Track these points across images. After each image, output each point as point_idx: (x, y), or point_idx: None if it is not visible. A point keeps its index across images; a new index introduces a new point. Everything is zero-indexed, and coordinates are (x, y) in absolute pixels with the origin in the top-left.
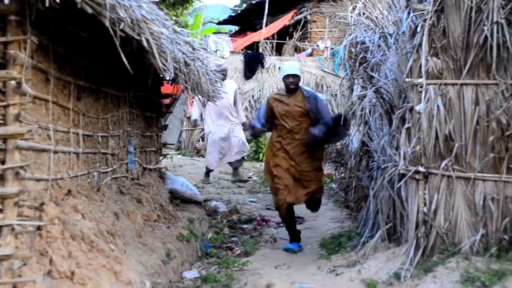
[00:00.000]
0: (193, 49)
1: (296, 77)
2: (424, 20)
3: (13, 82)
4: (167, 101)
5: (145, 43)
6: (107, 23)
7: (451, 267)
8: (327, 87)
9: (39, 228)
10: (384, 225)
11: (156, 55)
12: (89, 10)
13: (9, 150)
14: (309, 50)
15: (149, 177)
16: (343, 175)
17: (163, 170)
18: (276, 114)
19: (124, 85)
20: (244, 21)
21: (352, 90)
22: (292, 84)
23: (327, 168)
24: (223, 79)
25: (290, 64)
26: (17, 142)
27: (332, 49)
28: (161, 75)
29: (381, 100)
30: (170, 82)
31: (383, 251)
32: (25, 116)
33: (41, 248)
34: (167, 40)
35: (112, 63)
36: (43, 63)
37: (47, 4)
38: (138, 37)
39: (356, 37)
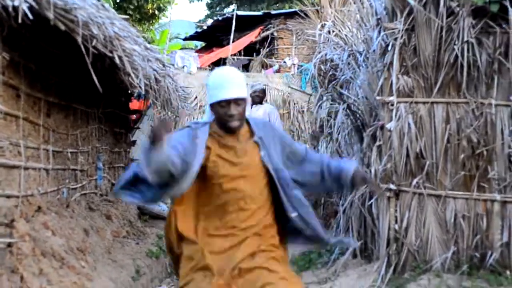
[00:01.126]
0: (163, 65)
1: (241, 102)
2: (395, 39)
3: None
4: (134, 116)
5: (117, 60)
6: (80, 40)
7: (423, 284)
8: (294, 104)
9: (9, 245)
10: (356, 241)
11: (130, 72)
12: (62, 27)
13: None
14: (276, 67)
15: None
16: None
17: None
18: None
19: (94, 101)
20: (211, 37)
21: (320, 107)
22: (234, 118)
23: None
24: (259, 102)
25: (224, 78)
26: None
27: (300, 66)
28: (130, 91)
29: (352, 118)
30: (138, 98)
31: (354, 268)
32: None
33: (12, 265)
34: (139, 57)
35: (82, 79)
36: (14, 79)
37: (20, 21)
38: (110, 54)
39: (326, 55)
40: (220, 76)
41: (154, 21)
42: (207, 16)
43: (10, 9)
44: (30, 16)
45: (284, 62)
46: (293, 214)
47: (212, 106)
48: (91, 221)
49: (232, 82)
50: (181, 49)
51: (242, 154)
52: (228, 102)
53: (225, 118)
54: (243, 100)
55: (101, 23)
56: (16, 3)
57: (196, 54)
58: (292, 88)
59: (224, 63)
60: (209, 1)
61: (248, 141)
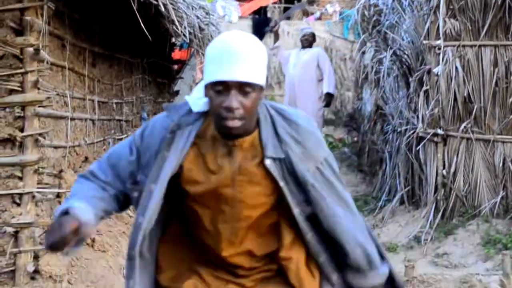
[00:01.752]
0: (207, 13)
1: (248, 89)
2: None
3: (30, 49)
4: (176, 66)
5: (162, 8)
6: None
7: (471, 229)
8: (336, 51)
9: (58, 195)
10: (403, 188)
11: (175, 20)
12: None
13: (28, 118)
14: (317, 14)
15: None
16: (355, 139)
17: None
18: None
19: (137, 51)
20: None
21: (363, 53)
22: (233, 114)
23: (339, 132)
24: (308, 46)
25: (228, 48)
26: (36, 109)
27: (342, 12)
28: (174, 41)
29: (398, 63)
30: (180, 48)
31: (401, 214)
32: (43, 83)
33: None
34: (183, 4)
35: (125, 29)
36: (59, 29)
37: None
38: (155, 2)
39: (369, 0)
40: (223, 45)
41: None
42: None
43: None
44: None
45: (326, 9)
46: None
47: (206, 89)
48: None
49: (239, 56)
50: None
51: (228, 185)
52: (227, 87)
53: (219, 112)
54: (254, 88)
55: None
56: None
57: (237, 2)
58: (334, 35)
59: (265, 12)
60: None
61: (250, 163)
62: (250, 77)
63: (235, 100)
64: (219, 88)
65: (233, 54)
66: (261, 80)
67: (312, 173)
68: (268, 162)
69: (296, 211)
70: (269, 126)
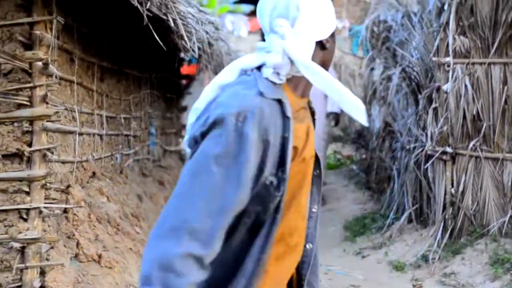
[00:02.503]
0: (216, 29)
1: None
2: None
3: (39, 63)
4: (184, 81)
5: (172, 23)
6: (135, 3)
7: (479, 249)
8: (345, 67)
9: (65, 211)
10: (411, 206)
11: (184, 35)
12: None
13: (36, 132)
14: None
15: (170, 159)
16: (364, 156)
17: (183, 152)
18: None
19: (145, 66)
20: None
21: (372, 70)
22: None
23: (348, 149)
24: None
25: None
26: (44, 124)
27: (351, 28)
28: (183, 56)
29: (407, 80)
30: (189, 62)
31: (409, 233)
32: (52, 97)
33: (68, 231)
34: (193, 19)
35: (134, 44)
36: (68, 43)
37: None
38: (165, 17)
39: (379, 16)
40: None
41: None
42: None
43: None
44: None
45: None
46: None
47: (320, 42)
48: (144, 187)
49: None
50: (229, 12)
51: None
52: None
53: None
54: None
55: None
56: None
57: (246, 17)
58: (343, 51)
59: None
60: None
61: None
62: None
63: None
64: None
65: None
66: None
67: None
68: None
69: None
70: None
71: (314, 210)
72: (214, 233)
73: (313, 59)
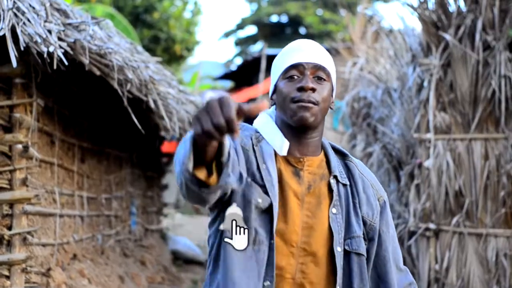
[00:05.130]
0: (197, 107)
1: (323, 75)
2: (431, 75)
3: (19, 146)
4: (165, 159)
5: (152, 104)
6: (115, 85)
7: None
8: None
9: None
10: None
11: (165, 116)
12: (97, 72)
13: (16, 215)
14: None
15: (152, 238)
16: None
17: (164, 230)
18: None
19: (126, 145)
20: (240, 76)
21: (354, 146)
22: (308, 98)
23: None
24: None
25: (299, 43)
26: (24, 207)
27: None
28: (164, 135)
29: (388, 156)
30: (170, 140)
31: None
32: (32, 180)
33: None
34: (173, 100)
35: (114, 124)
36: (48, 125)
37: (54, 67)
38: (145, 98)
39: (359, 93)
40: (293, 43)
41: (182, 62)
42: (236, 55)
43: (45, 55)
44: (65, 62)
45: None
46: None
47: (275, 89)
48: (126, 268)
49: (312, 45)
50: (211, 88)
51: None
52: (301, 71)
53: (291, 96)
54: (328, 77)
55: (136, 67)
56: (51, 49)
57: (227, 94)
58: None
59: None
60: (237, 39)
61: (319, 183)
62: (325, 62)
63: (310, 80)
64: (292, 74)
65: (305, 44)
66: (333, 75)
67: (375, 211)
68: (332, 181)
69: (337, 249)
70: (333, 154)
71: None
72: None
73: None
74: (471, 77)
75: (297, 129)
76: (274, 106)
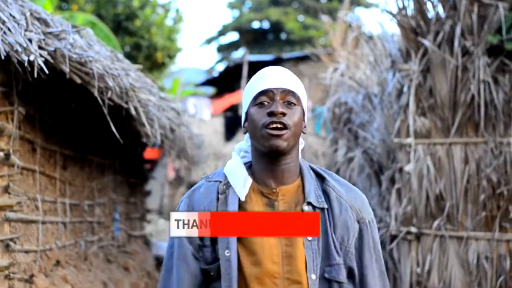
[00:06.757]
0: (178, 114)
1: (293, 99)
2: (410, 80)
3: (1, 153)
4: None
5: (133, 111)
6: (96, 93)
7: None
8: (309, 147)
9: None
10: None
11: (145, 123)
12: (78, 80)
13: None
14: None
15: (135, 244)
16: None
17: (148, 236)
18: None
19: (108, 152)
20: (222, 83)
21: (336, 151)
22: (279, 124)
23: None
24: None
25: (268, 70)
26: (7, 214)
27: (313, 109)
28: (145, 141)
29: (369, 161)
30: (153, 146)
31: None
32: (14, 187)
33: None
34: (154, 107)
35: (96, 131)
36: (30, 133)
37: (35, 76)
38: (126, 105)
39: (340, 98)
40: (261, 71)
41: (164, 69)
42: (218, 62)
43: (26, 64)
44: (46, 71)
45: None
46: None
47: (247, 117)
48: (109, 274)
49: (280, 71)
50: (193, 95)
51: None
52: (270, 97)
53: (262, 122)
54: (298, 101)
55: (116, 75)
56: (31, 58)
57: (209, 100)
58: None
59: (236, 110)
60: (218, 46)
61: (293, 204)
62: (294, 87)
63: (280, 105)
64: (262, 100)
65: (274, 71)
66: (303, 99)
67: (351, 234)
68: (306, 208)
69: (312, 276)
70: (313, 179)
71: None
72: None
73: None
74: (450, 82)
75: (270, 155)
76: (248, 135)
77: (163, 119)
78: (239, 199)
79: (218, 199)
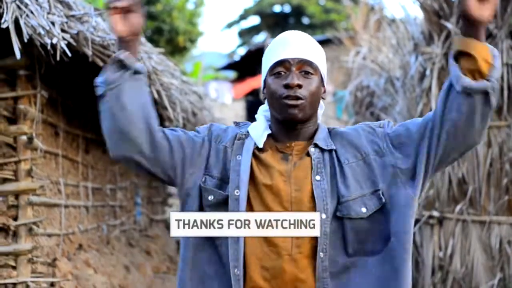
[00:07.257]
0: (200, 98)
1: (310, 69)
2: (433, 63)
3: (24, 137)
4: None
5: (155, 95)
6: None
7: None
8: None
9: (52, 284)
10: None
11: (168, 107)
12: (100, 63)
13: (22, 206)
14: None
15: (157, 228)
16: None
17: (169, 220)
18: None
19: None
20: (243, 67)
21: None
22: (295, 94)
23: None
24: None
25: (285, 36)
26: (30, 198)
27: (335, 93)
28: (167, 125)
29: None
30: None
31: None
32: (37, 171)
33: None
34: (176, 90)
35: None
36: (52, 116)
37: (58, 59)
38: (148, 89)
39: (362, 82)
40: (281, 36)
41: (185, 53)
42: (239, 46)
43: (49, 47)
44: (69, 54)
45: None
46: None
47: (265, 85)
48: (131, 258)
49: (298, 38)
50: (214, 79)
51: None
52: (287, 67)
53: (279, 93)
54: (316, 70)
55: (139, 58)
56: (54, 41)
57: (230, 84)
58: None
59: (257, 94)
60: (240, 30)
61: (304, 154)
62: (312, 56)
63: (296, 77)
64: (279, 70)
65: (291, 38)
66: (322, 66)
67: (376, 138)
68: (312, 150)
69: (322, 216)
70: (325, 132)
71: None
72: None
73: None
74: None
75: (287, 124)
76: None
77: (185, 102)
78: (254, 148)
79: (234, 144)
